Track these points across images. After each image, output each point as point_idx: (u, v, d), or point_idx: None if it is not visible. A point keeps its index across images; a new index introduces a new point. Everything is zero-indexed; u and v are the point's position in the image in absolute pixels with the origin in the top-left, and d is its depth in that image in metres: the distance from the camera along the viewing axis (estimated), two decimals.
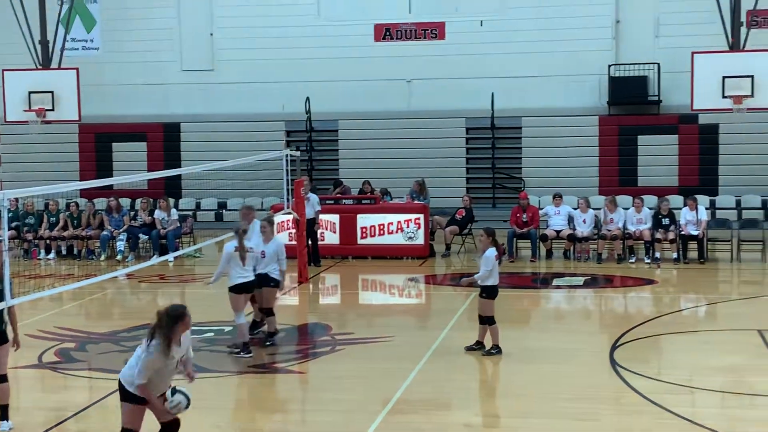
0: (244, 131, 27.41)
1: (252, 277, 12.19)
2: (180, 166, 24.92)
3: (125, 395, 7.68)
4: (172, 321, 7.56)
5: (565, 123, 26.42)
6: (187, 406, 7.73)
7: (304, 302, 16.73)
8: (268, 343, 12.59)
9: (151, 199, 22.43)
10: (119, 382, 7.74)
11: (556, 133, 26.37)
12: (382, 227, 20.46)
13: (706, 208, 21.43)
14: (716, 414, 9.69)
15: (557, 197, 20.80)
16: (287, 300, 15.95)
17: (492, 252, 11.84)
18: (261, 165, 20.31)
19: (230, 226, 16.03)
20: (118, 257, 20.79)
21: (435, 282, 18.54)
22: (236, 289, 12.11)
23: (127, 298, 17.71)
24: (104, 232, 21.28)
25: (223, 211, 26.94)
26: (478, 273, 11.98)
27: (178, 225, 21.33)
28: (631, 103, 26.37)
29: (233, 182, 25.02)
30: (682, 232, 19.35)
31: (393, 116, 27.25)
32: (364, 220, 20.51)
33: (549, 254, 20.36)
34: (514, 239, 20.31)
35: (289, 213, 18.08)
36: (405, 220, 20.39)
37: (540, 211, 20.80)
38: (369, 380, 11.04)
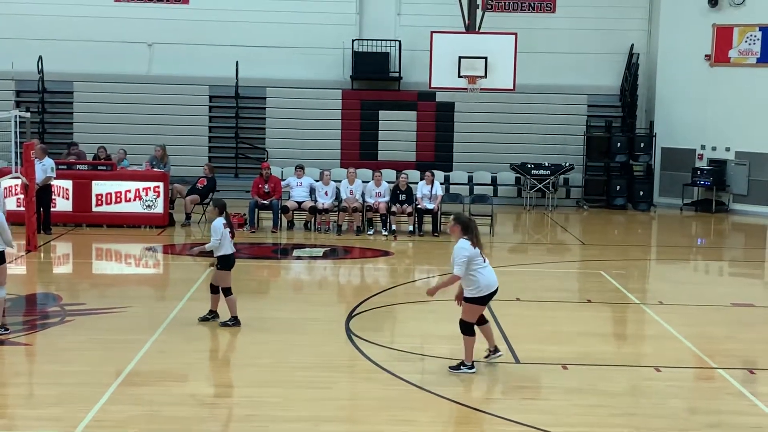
0: None
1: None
2: None
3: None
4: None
5: (308, 95, 26.63)
6: None
7: (33, 271, 15.88)
8: None
9: None
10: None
11: (300, 105, 26.55)
12: (119, 195, 19.80)
13: (441, 183, 22.29)
14: (443, 380, 10.09)
15: (299, 168, 20.93)
16: (14, 269, 15.08)
17: (219, 221, 11.77)
18: None
19: None
20: None
21: (174, 252, 18.19)
22: None
23: None
24: None
25: None
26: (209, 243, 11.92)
27: None
28: (373, 79, 26.96)
29: None
30: (418, 206, 20.05)
31: (132, 80, 26.41)
32: (99, 186, 19.78)
33: (290, 225, 20.48)
34: (256, 210, 20.26)
35: (18, 177, 17.11)
36: (144, 188, 19.84)
37: (282, 182, 20.86)
38: (101, 352, 10.66)
